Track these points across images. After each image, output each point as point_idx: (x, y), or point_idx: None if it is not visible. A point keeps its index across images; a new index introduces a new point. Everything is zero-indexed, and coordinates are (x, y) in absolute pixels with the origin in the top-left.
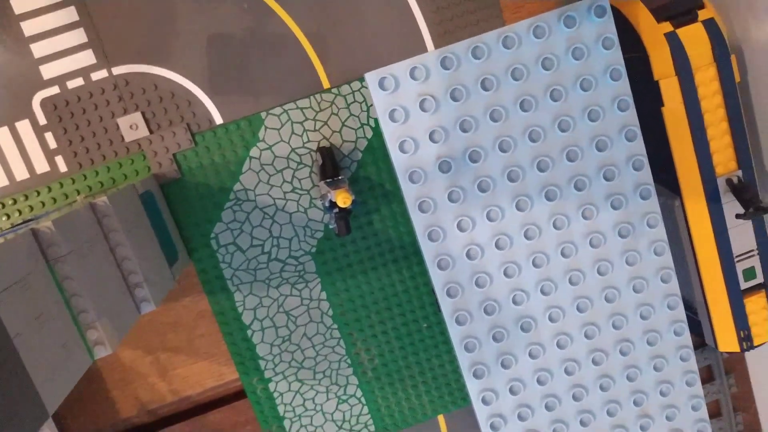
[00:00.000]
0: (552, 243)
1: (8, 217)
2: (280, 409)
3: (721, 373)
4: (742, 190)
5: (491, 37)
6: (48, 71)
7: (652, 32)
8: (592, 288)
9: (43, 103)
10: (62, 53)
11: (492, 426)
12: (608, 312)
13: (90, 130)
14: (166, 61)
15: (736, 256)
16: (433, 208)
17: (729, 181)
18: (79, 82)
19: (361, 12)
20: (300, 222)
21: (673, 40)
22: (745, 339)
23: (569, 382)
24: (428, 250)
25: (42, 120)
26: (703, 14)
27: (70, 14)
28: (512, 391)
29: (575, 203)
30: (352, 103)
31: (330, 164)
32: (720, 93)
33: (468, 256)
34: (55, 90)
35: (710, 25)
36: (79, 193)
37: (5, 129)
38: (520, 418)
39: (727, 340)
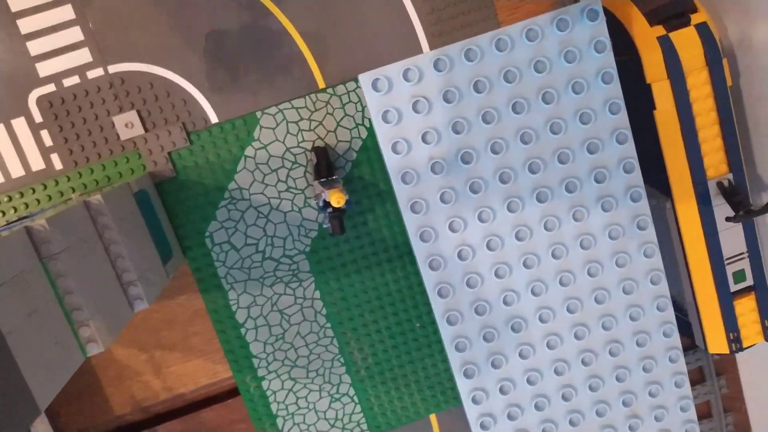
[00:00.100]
0: (543, 244)
1: (3, 214)
2: (273, 407)
3: (712, 375)
4: (733, 193)
5: (484, 39)
6: (44, 69)
7: (645, 36)
8: (582, 289)
9: (39, 100)
10: (58, 51)
11: (482, 425)
12: (598, 313)
13: (85, 128)
14: (162, 60)
15: (726, 259)
16: (425, 208)
17: (720, 184)
18: (75, 80)
19: (356, 12)
20: (294, 221)
21: (665, 43)
22: (735, 341)
23: (559, 383)
24: (420, 251)
25: (38, 118)
26: (695, 18)
27: (66, 12)
28: (502, 391)
29: (566, 205)
30: (347, 103)
31: (324, 164)
32: (712, 96)
33: (459, 256)
34: (51, 88)
35: (703, 29)
36: (74, 190)
37: (1, 126)
38: (510, 417)
39: (716, 342)
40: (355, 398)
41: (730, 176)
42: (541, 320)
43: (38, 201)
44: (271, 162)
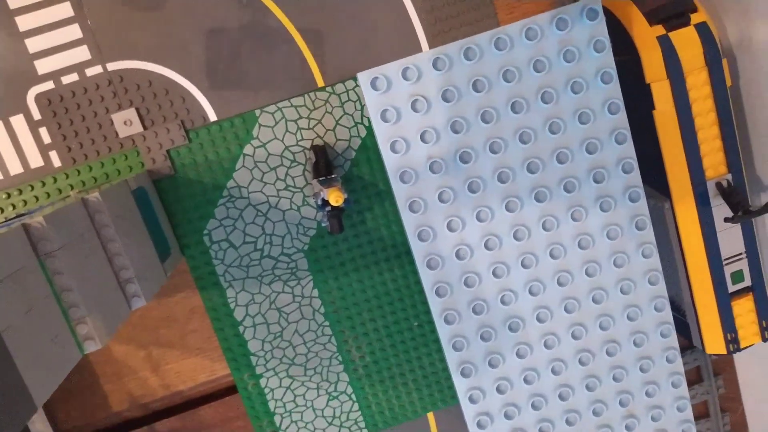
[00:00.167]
0: (541, 244)
1: (2, 211)
2: (271, 404)
3: (710, 375)
4: (732, 194)
5: (483, 38)
6: (43, 66)
7: (645, 35)
8: (580, 289)
9: (38, 98)
10: (57, 49)
11: (479, 424)
12: (596, 313)
13: (84, 126)
14: (161, 58)
15: (725, 259)
16: (423, 208)
17: (719, 185)
18: (73, 77)
19: (356, 11)
20: (293, 220)
21: (665, 43)
22: (732, 341)
23: (556, 382)
24: (418, 250)
25: (36, 115)
26: (695, 18)
27: (65, 9)
28: (499, 390)
29: (565, 205)
30: (346, 101)
31: (323, 162)
32: (711, 97)
33: (457, 256)
34: (49, 85)
35: (703, 29)
36: (72, 188)
37: None
38: (507, 416)
39: (714, 342)
40: (353, 396)
41: (729, 177)
42: (539, 320)
43: (36, 198)
44: (270, 160)
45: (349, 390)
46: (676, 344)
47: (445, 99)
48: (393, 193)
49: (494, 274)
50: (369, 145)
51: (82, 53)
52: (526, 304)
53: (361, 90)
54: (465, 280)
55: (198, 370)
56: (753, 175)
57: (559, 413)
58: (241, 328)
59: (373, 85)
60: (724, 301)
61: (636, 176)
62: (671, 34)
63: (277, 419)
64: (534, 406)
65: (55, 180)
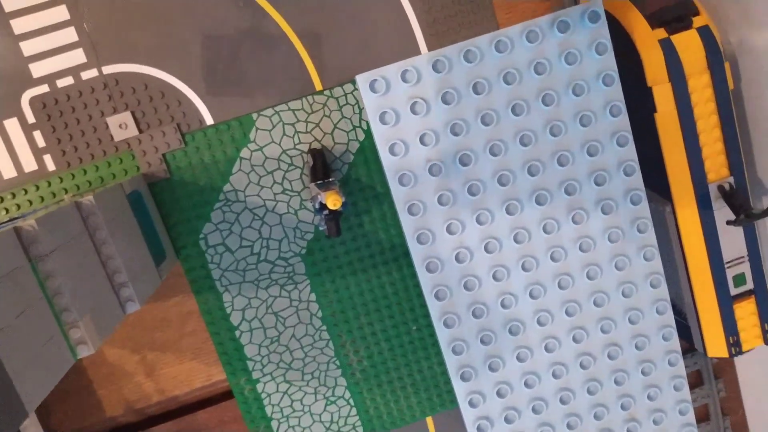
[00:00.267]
0: (541, 247)
1: None
2: (268, 409)
3: (710, 378)
4: (733, 197)
5: (484, 40)
6: (37, 70)
7: (647, 38)
8: (580, 292)
9: (32, 101)
10: (52, 52)
11: (479, 428)
12: (597, 316)
13: (79, 129)
14: (157, 61)
15: (727, 263)
16: (422, 211)
17: (720, 188)
18: (68, 80)
19: (354, 13)
20: (290, 223)
21: (667, 46)
22: (734, 345)
23: (557, 386)
24: (417, 253)
25: (31, 118)
26: (697, 21)
27: (60, 13)
28: (499, 394)
29: (565, 208)
30: (344, 105)
31: (321, 166)
32: (713, 100)
33: (457, 259)
34: (44, 88)
35: (705, 32)
36: (67, 192)
37: None
38: (507, 420)
39: (715, 346)
40: (351, 401)
41: (731, 180)
42: (539, 323)
43: (30, 202)
44: (267, 164)
45: (347, 395)
46: (678, 347)
47: (445, 101)
48: (391, 196)
49: (494, 277)
50: (367, 149)
51: (78, 56)
52: (526, 307)
53: (360, 93)
54: (465, 284)
55: (194, 374)
56: (755, 177)
57: (560, 417)
58: (237, 333)
59: (372, 87)
60: (726, 304)
61: (638, 179)
62: (673, 37)
63: (274, 424)
64: (534, 410)
65: (50, 184)
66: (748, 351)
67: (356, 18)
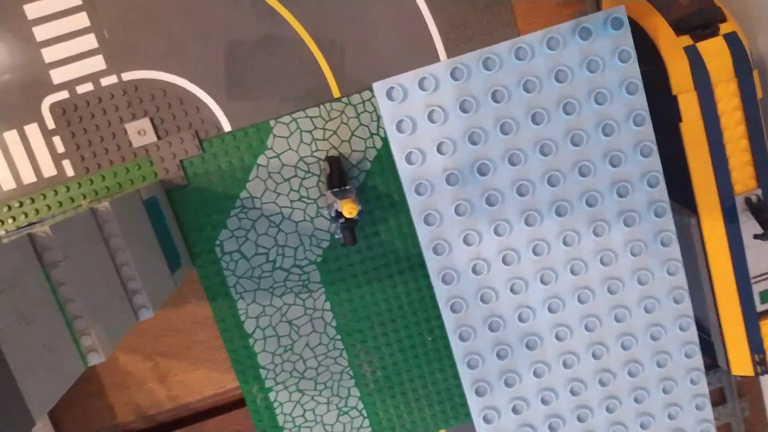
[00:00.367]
0: (561, 260)
1: (14, 219)
2: (280, 419)
3: (734, 396)
4: (761, 210)
5: (503, 48)
6: (58, 76)
7: (671, 46)
8: (601, 307)
9: (52, 107)
10: (73, 58)
11: None
12: (617, 332)
13: (98, 135)
14: (176, 68)
15: (753, 278)
16: (439, 221)
17: (747, 200)
18: (88, 87)
19: (372, 21)
20: (306, 231)
21: (692, 54)
22: (760, 363)
23: (574, 403)
24: (433, 264)
25: (50, 124)
26: (724, 28)
27: (81, 20)
28: (515, 411)
29: (586, 219)
30: (362, 112)
31: (337, 174)
32: (740, 109)
33: (474, 270)
34: (64, 94)
35: (732, 39)
36: (85, 197)
37: (14, 132)
38: None
39: (740, 364)
40: (364, 412)
41: (759, 192)
42: (558, 338)
43: (49, 207)
44: (284, 171)
45: (360, 405)
46: (701, 365)
47: (463, 109)
48: (407, 205)
49: (512, 290)
50: (384, 157)
51: (98, 63)
52: (544, 321)
53: (377, 100)
54: (481, 296)
55: (206, 382)
56: None
57: None
58: (251, 341)
59: (389, 95)
60: (752, 321)
61: (662, 190)
62: (699, 45)
63: None
64: (551, 428)
65: (68, 189)
66: None
67: (374, 26)
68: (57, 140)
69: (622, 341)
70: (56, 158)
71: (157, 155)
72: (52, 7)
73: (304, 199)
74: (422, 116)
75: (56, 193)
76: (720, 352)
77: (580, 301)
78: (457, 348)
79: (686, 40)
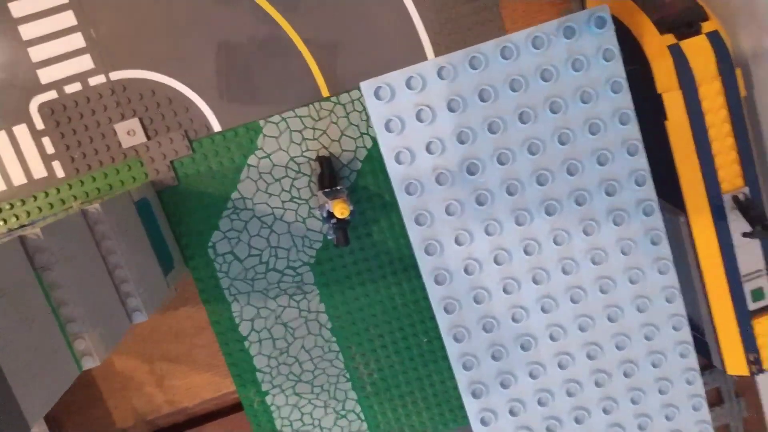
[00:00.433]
0: (552, 259)
1: (5, 222)
2: (278, 422)
3: (731, 396)
4: (749, 208)
5: (489, 47)
6: (46, 76)
7: (655, 44)
8: (593, 307)
9: (41, 107)
10: (60, 58)
11: None
12: (611, 332)
13: (87, 136)
14: (164, 67)
15: (744, 276)
16: (429, 221)
17: (735, 198)
18: (76, 87)
19: (361, 20)
20: (298, 232)
21: (676, 52)
22: (755, 362)
23: (571, 404)
24: (425, 265)
25: (39, 125)
26: (707, 26)
27: (68, 19)
28: (512, 412)
29: (576, 218)
30: (351, 112)
31: (328, 174)
32: (725, 107)
33: (466, 270)
34: (52, 95)
35: (714, 38)
36: (75, 198)
37: (2, 133)
38: None
39: (735, 363)
40: (361, 415)
41: (746, 190)
42: (552, 338)
43: (40, 209)
44: (275, 171)
45: (357, 408)
46: (696, 365)
47: (451, 109)
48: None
49: (504, 290)
50: (375, 156)
51: (86, 62)
52: (538, 321)
53: (364, 100)
54: (474, 296)
55: (203, 386)
56: None
57: None
58: (246, 344)
59: (377, 94)
60: (745, 320)
61: (650, 189)
62: (682, 43)
63: None
64: (548, 430)
65: (59, 191)
66: None
67: (363, 25)
68: (46, 141)
69: (616, 341)
70: (46, 159)
71: (147, 156)
72: (39, 5)
73: (295, 200)
74: (410, 116)
75: (47, 194)
76: (715, 352)
77: (572, 300)
78: (452, 349)
79: (670, 39)
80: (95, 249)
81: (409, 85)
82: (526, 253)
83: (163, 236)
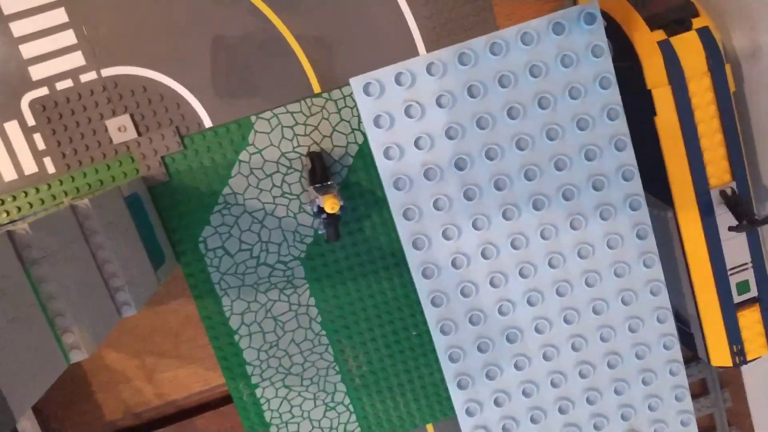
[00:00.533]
0: (539, 253)
1: None
2: (267, 415)
3: (716, 387)
4: (736, 203)
5: (478, 43)
6: (37, 72)
7: (646, 40)
8: (579, 299)
9: (32, 104)
10: (51, 54)
11: None
12: (596, 324)
13: (78, 132)
14: (156, 64)
15: (730, 269)
16: (418, 215)
17: (723, 193)
18: (68, 83)
19: (353, 16)
20: (289, 227)
21: (666, 48)
22: (738, 354)
23: (555, 395)
24: (413, 259)
25: (30, 121)
26: (697, 22)
27: (59, 15)
28: (497, 403)
29: (563, 213)
30: (343, 108)
31: (319, 169)
32: (714, 103)
33: (454, 264)
34: (44, 91)
35: (704, 34)
36: (66, 194)
37: None
38: (505, 430)
39: (719, 355)
40: (351, 407)
41: (734, 185)
42: (538, 331)
43: (30, 205)
44: (266, 167)
45: (347, 401)
46: (680, 357)
47: (440, 105)
48: None
49: (491, 283)
50: (366, 152)
51: (77, 59)
52: (524, 314)
53: (354, 95)
54: (462, 290)
55: (192, 379)
56: (758, 183)
57: (558, 427)
58: (236, 337)
59: (366, 90)
60: (730, 312)
61: (637, 184)
62: (672, 39)
63: (273, 430)
64: (533, 420)
65: (50, 186)
66: (753, 360)
67: (354, 21)
68: (38, 137)
69: (601, 333)
70: (37, 155)
71: (138, 152)
72: (30, 2)
73: (286, 195)
74: (399, 111)
75: (38, 190)
76: (700, 344)
77: (558, 294)
78: (439, 341)
79: (660, 35)
80: (85, 244)
81: (398, 81)
82: (514, 247)
83: (153, 231)
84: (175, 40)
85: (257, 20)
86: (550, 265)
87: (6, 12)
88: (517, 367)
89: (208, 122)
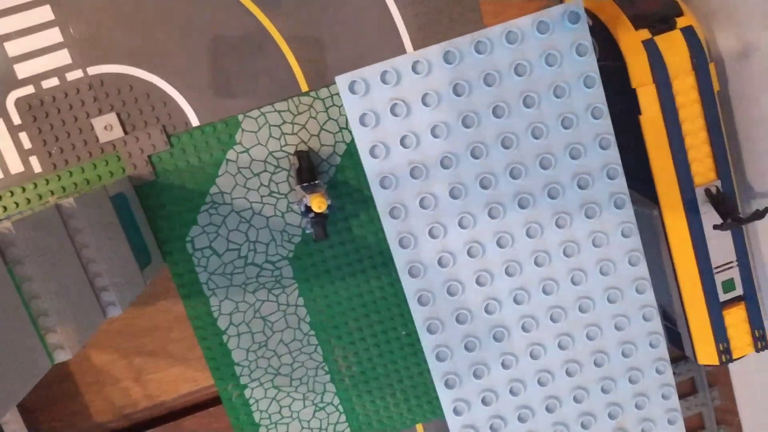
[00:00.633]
0: (525, 251)
1: None
2: (256, 416)
3: (704, 386)
4: (721, 201)
5: (463, 41)
6: (22, 71)
7: (630, 39)
8: (566, 298)
9: (18, 102)
10: (37, 52)
11: None
12: (582, 322)
13: (65, 131)
14: (142, 62)
15: (715, 268)
16: (404, 214)
17: (707, 191)
18: (54, 81)
19: (340, 15)
20: (277, 226)
21: (650, 47)
22: (725, 352)
23: (543, 394)
24: (399, 257)
25: (16, 120)
26: (681, 22)
27: (45, 13)
28: (485, 402)
29: (549, 212)
30: (330, 106)
31: (307, 168)
32: (699, 102)
33: (440, 263)
34: (29, 90)
35: (689, 33)
36: (53, 194)
37: None
38: (493, 429)
39: (706, 353)
40: (340, 407)
41: (718, 183)
42: (524, 329)
43: (17, 204)
44: (254, 166)
45: (336, 401)
46: (666, 355)
47: (425, 103)
48: None
49: (478, 282)
50: (354, 151)
51: (63, 57)
52: (510, 313)
53: (340, 94)
54: (448, 289)
55: (181, 380)
56: (743, 181)
57: (546, 426)
58: (224, 337)
59: (351, 88)
60: (715, 311)
61: (621, 182)
62: (657, 38)
63: (262, 431)
64: (520, 419)
65: (36, 186)
66: (739, 358)
67: (342, 20)
68: (23, 136)
69: (588, 332)
70: (23, 154)
71: (124, 150)
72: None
73: (274, 194)
74: (385, 110)
75: (24, 190)
76: (687, 343)
77: (545, 292)
78: (426, 341)
79: (644, 34)
80: (69, 243)
81: (383, 80)
82: (500, 245)
83: (140, 231)
84: (162, 38)
85: (245, 19)
86: (536, 263)
87: None
88: (504, 365)
89: (195, 121)
